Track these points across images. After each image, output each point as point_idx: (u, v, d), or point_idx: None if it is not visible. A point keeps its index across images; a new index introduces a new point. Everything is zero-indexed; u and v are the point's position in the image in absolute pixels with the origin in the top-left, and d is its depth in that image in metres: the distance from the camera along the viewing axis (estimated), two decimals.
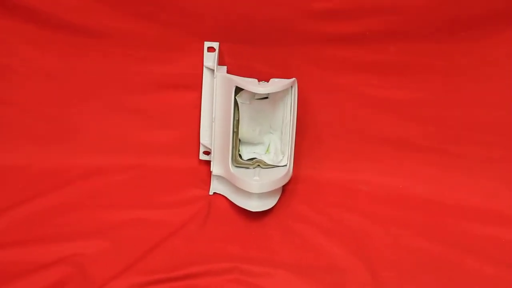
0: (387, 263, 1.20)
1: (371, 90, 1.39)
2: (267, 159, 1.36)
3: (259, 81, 1.29)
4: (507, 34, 1.31)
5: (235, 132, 1.32)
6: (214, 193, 1.37)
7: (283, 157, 1.36)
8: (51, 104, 1.42)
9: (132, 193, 1.35)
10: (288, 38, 1.35)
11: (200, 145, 1.41)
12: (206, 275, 1.16)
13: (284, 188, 1.38)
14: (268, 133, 1.39)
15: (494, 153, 1.39)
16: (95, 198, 1.34)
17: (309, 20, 1.32)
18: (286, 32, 1.34)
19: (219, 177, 1.37)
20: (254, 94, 1.32)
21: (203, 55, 1.36)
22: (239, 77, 1.29)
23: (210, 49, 1.35)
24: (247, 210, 1.30)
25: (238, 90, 1.29)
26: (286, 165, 1.35)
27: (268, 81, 1.30)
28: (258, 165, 1.36)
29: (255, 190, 1.29)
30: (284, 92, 1.32)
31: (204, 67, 1.37)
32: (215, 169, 1.36)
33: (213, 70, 1.33)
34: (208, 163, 1.41)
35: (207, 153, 1.41)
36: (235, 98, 1.28)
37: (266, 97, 1.35)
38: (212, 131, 1.35)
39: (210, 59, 1.35)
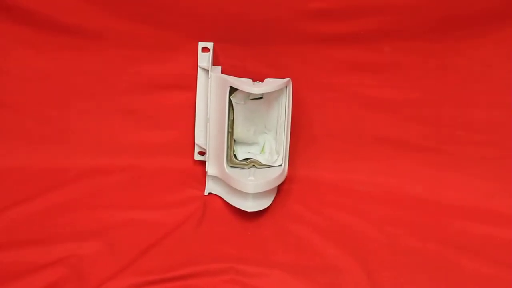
0: (383, 263, 1.20)
1: (366, 90, 1.39)
2: (262, 159, 1.36)
3: (253, 81, 1.29)
4: (501, 33, 1.31)
5: (230, 132, 1.32)
6: (209, 193, 1.37)
7: (278, 157, 1.36)
8: (47, 105, 1.42)
9: (127, 194, 1.35)
10: (282, 38, 1.35)
11: (195, 145, 1.41)
12: (201, 276, 1.16)
13: (279, 188, 1.38)
14: (263, 133, 1.39)
15: (490, 152, 1.39)
16: (90, 199, 1.34)
17: (304, 20, 1.32)
18: (281, 32, 1.34)
19: (214, 177, 1.37)
20: (248, 94, 1.32)
21: (197, 55, 1.36)
22: (233, 77, 1.29)
23: (205, 49, 1.35)
24: (242, 210, 1.30)
25: (232, 90, 1.29)
26: (281, 165, 1.35)
27: (262, 81, 1.30)
28: (253, 165, 1.36)
29: (250, 190, 1.29)
30: (279, 92, 1.31)
31: (198, 68, 1.36)
32: (210, 169, 1.36)
33: (207, 71, 1.33)
34: (203, 163, 1.40)
35: (202, 153, 1.41)
36: (229, 98, 1.29)
37: (261, 97, 1.35)
38: (206, 131, 1.35)
39: (204, 59, 1.35)
